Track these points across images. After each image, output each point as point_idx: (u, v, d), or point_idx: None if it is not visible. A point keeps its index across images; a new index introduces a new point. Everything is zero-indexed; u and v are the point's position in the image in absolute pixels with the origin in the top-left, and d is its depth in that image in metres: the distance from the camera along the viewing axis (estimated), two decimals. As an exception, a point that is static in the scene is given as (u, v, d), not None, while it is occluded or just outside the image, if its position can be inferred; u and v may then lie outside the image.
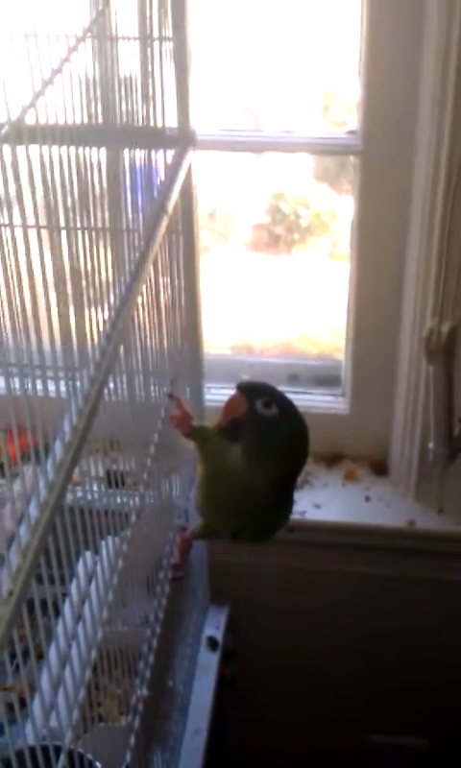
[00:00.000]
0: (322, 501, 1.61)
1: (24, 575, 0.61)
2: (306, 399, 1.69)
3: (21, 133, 0.57)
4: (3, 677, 0.88)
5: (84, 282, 0.78)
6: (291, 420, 0.97)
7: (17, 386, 0.63)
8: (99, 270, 0.82)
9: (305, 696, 1.77)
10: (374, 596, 1.66)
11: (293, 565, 1.63)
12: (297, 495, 1.61)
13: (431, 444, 1.53)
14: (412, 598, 1.65)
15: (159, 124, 1.04)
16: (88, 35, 0.71)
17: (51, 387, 0.70)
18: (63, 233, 0.73)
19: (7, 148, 0.56)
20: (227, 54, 1.56)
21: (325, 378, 1.73)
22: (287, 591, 1.67)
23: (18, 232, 0.62)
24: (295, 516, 1.57)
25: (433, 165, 1.36)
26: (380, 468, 1.67)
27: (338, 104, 1.66)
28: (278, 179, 1.78)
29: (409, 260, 1.48)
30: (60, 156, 0.70)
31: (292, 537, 1.59)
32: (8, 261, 0.60)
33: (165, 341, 1.12)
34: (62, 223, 0.72)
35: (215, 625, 1.53)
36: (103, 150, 0.84)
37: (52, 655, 0.80)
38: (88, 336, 0.78)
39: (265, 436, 0.95)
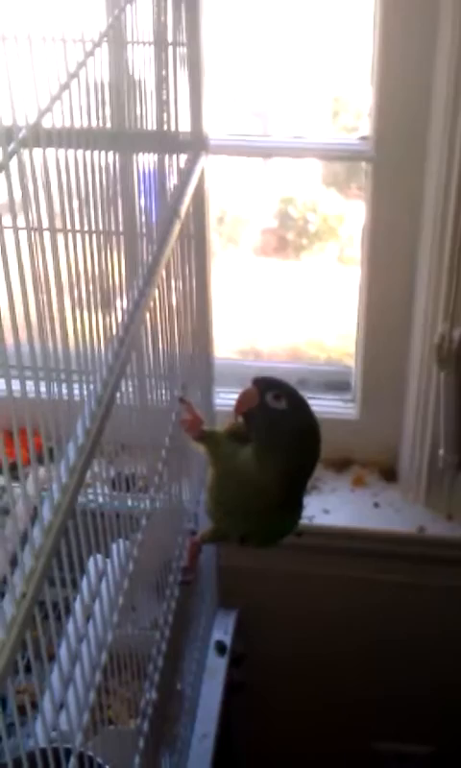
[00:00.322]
0: (330, 506, 1.61)
1: (37, 577, 0.62)
2: (316, 405, 1.66)
3: (38, 137, 0.57)
4: (15, 679, 0.88)
5: (97, 286, 0.78)
6: (300, 414, 0.98)
7: (31, 389, 0.63)
8: (113, 274, 0.82)
9: (312, 701, 1.76)
10: (382, 602, 1.66)
11: (301, 570, 1.63)
12: (305, 500, 1.61)
13: (441, 451, 1.52)
14: (421, 604, 1.64)
15: (173, 128, 1.04)
16: (105, 39, 0.72)
17: (61, 389, 0.70)
18: (78, 237, 0.73)
19: (24, 151, 0.56)
20: (237, 58, 1.57)
21: (334, 383, 1.73)
22: (295, 596, 1.66)
23: (33, 235, 0.62)
24: (303, 520, 1.57)
25: (445, 170, 1.36)
26: (389, 475, 1.67)
27: (348, 109, 1.66)
28: (286, 183, 1.78)
29: (420, 266, 1.48)
30: (75, 160, 0.70)
31: (300, 542, 1.59)
32: (22, 264, 0.60)
33: (177, 345, 1.12)
34: (77, 226, 0.72)
35: (223, 629, 1.53)
36: (117, 154, 0.84)
37: (62, 657, 0.80)
38: (102, 340, 0.78)
39: (273, 429, 0.96)
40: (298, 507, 1.07)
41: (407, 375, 1.57)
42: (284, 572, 1.64)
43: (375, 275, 1.54)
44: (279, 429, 0.97)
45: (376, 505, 1.62)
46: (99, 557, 0.90)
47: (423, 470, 1.58)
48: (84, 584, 0.88)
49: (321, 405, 1.68)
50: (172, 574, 1.16)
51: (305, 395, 1.66)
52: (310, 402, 1.65)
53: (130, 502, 1.01)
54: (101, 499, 0.91)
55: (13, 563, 0.63)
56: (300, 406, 0.98)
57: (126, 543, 0.97)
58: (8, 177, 0.53)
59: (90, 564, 0.89)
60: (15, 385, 0.61)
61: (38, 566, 0.62)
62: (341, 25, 1.50)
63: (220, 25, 1.43)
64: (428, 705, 1.74)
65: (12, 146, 0.53)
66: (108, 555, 0.93)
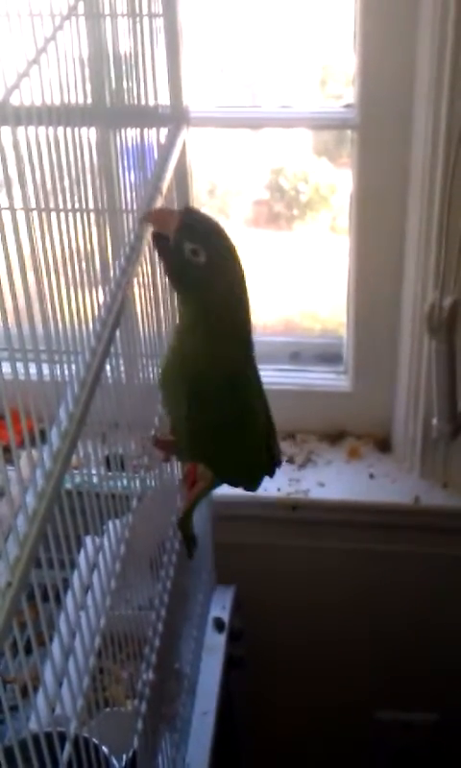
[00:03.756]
0: (326, 479, 1.61)
1: (22, 566, 0.61)
2: (309, 378, 1.68)
3: (6, 115, 0.56)
4: (5, 668, 0.87)
5: (78, 265, 0.77)
6: (217, 272, 0.89)
7: (9, 370, 0.62)
8: (94, 252, 0.81)
9: (313, 674, 1.77)
10: (380, 573, 1.66)
11: (298, 544, 1.63)
12: (300, 474, 1.61)
13: (435, 421, 1.52)
14: (419, 574, 1.64)
15: (151, 102, 1.02)
16: (74, 12, 0.70)
17: (43, 371, 0.69)
18: (55, 215, 0.71)
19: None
20: (222, 29, 1.54)
21: (327, 356, 1.71)
22: (293, 570, 1.66)
23: (9, 215, 0.60)
24: (299, 494, 1.58)
25: (432, 138, 1.34)
26: (384, 446, 1.66)
27: (336, 77, 1.64)
28: (276, 154, 1.76)
29: (409, 234, 1.46)
30: (51, 137, 0.69)
31: (296, 515, 1.59)
32: (4, 243, 0.59)
33: (163, 323, 1.11)
34: (55, 205, 0.70)
35: (221, 605, 1.53)
36: (94, 130, 0.82)
37: (55, 642, 0.79)
38: (84, 320, 0.77)
39: (191, 283, 0.90)
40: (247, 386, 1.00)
41: (399, 345, 1.56)
42: (281, 546, 1.63)
43: (363, 244, 1.53)
44: (196, 285, 0.90)
45: (372, 476, 1.61)
46: (93, 537, 0.90)
47: (417, 440, 1.57)
48: (81, 560, 0.87)
49: (314, 378, 1.68)
50: (166, 554, 1.15)
51: (299, 368, 1.68)
52: (303, 376, 1.66)
53: (120, 482, 1.00)
54: (94, 480, 0.90)
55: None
56: (217, 262, 0.88)
57: (118, 523, 0.96)
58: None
59: (87, 543, 0.88)
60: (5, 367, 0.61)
61: (24, 555, 0.61)
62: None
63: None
64: (430, 673, 1.75)
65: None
66: (100, 535, 0.92)
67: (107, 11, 0.83)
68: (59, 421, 0.70)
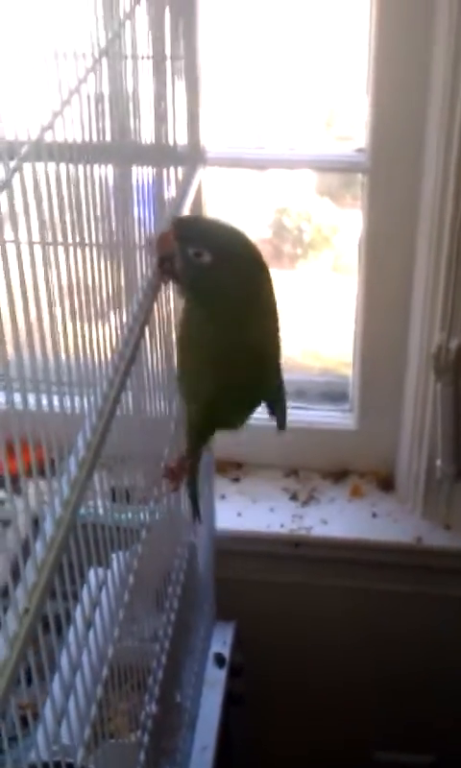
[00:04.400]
0: (328, 517, 1.61)
1: (40, 592, 0.62)
2: (313, 415, 1.69)
3: (41, 152, 0.58)
4: (18, 693, 0.87)
5: (96, 299, 0.78)
6: (227, 266, 0.87)
7: (31, 401, 0.63)
8: (112, 286, 0.83)
9: (312, 712, 1.76)
10: (380, 612, 1.66)
11: (299, 581, 1.63)
12: (303, 511, 1.62)
13: (439, 461, 1.53)
14: (419, 614, 1.64)
15: (170, 141, 1.04)
16: (105, 55, 0.72)
17: (62, 402, 0.70)
18: (78, 249, 0.73)
19: (27, 166, 0.56)
20: (231, 69, 1.57)
21: (331, 394, 1.73)
22: (294, 607, 1.66)
23: (34, 248, 0.62)
24: (301, 531, 1.58)
25: (441, 181, 1.37)
26: (387, 485, 1.67)
27: (342, 118, 1.67)
28: (280, 193, 1.78)
29: (417, 276, 1.48)
30: (74, 174, 0.70)
31: (299, 552, 1.59)
32: (23, 276, 0.60)
33: (175, 356, 1.12)
34: (78, 239, 0.72)
35: (222, 641, 1.53)
36: (115, 167, 0.84)
37: (64, 670, 0.80)
38: (102, 352, 0.79)
39: (202, 284, 0.88)
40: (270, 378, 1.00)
41: (404, 385, 1.57)
42: (283, 583, 1.64)
43: (371, 285, 1.55)
44: (207, 285, 0.87)
45: (374, 515, 1.62)
46: (99, 569, 0.90)
47: (420, 480, 1.58)
48: (84, 595, 0.88)
49: (319, 416, 1.69)
50: (171, 585, 1.15)
51: (304, 405, 1.69)
52: (308, 413, 1.68)
53: (128, 514, 1.01)
54: (101, 511, 0.91)
55: (15, 575, 0.63)
56: (224, 257, 0.87)
57: (125, 555, 0.97)
58: (10, 194, 0.53)
59: (90, 576, 0.89)
60: (16, 397, 0.62)
61: (41, 581, 0.62)
62: (335, 35, 1.51)
63: (213, 36, 1.44)
64: (428, 714, 1.74)
65: (14, 162, 0.53)
66: (107, 567, 0.92)
67: (133, 52, 0.85)
68: (76, 450, 0.72)
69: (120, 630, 0.90)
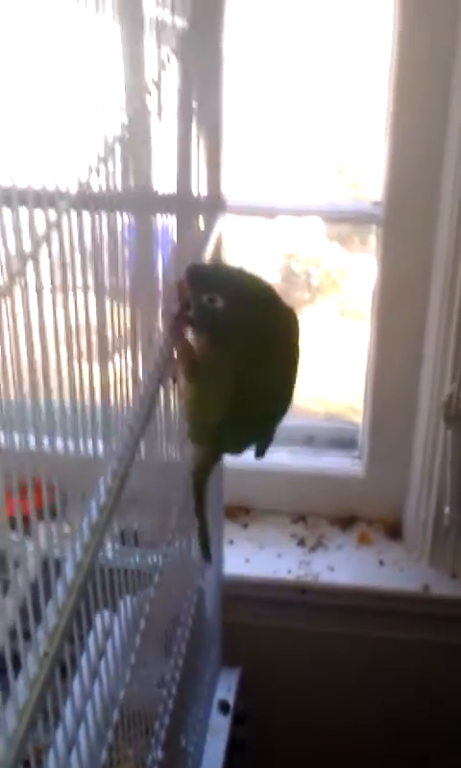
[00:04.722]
0: (335, 563, 1.61)
1: (59, 636, 0.62)
2: (322, 462, 1.70)
3: (85, 201, 0.60)
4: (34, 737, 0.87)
5: (116, 343, 0.79)
6: (239, 310, 0.89)
7: (58, 445, 0.64)
8: (132, 332, 0.84)
9: (315, 759, 1.75)
10: (386, 660, 1.65)
11: (305, 628, 1.63)
12: (310, 557, 1.62)
13: (447, 509, 1.53)
14: (425, 662, 1.64)
15: (193, 190, 1.06)
16: (142, 113, 0.74)
17: (86, 446, 0.71)
18: (100, 295, 0.74)
19: (64, 217, 0.58)
20: (243, 119, 1.60)
21: (341, 441, 1.74)
22: (299, 653, 1.66)
23: (62, 294, 0.63)
24: (308, 577, 1.58)
25: (456, 233, 1.39)
26: (395, 532, 1.67)
27: (353, 166, 1.70)
28: (289, 238, 1.81)
29: (429, 326, 1.50)
30: (102, 222, 0.72)
31: (305, 598, 1.59)
32: (52, 321, 0.62)
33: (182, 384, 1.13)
34: (107, 286, 0.73)
35: (227, 687, 1.53)
36: (139, 216, 0.86)
37: (68, 715, 0.80)
38: (124, 398, 0.80)
39: (217, 328, 0.90)
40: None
41: (414, 433, 1.58)
42: (288, 629, 1.63)
43: (384, 333, 1.56)
44: (222, 328, 0.90)
45: (381, 563, 1.62)
46: (106, 613, 0.91)
47: (428, 528, 1.59)
48: (91, 641, 0.88)
49: (327, 462, 1.70)
50: (180, 628, 1.16)
51: (312, 451, 1.70)
52: (317, 460, 1.69)
53: (138, 557, 1.02)
54: (110, 555, 0.91)
55: (22, 614, 0.64)
56: (240, 301, 0.89)
57: (134, 599, 0.98)
58: (48, 243, 0.55)
59: (97, 621, 0.89)
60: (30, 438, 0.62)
61: (61, 625, 0.63)
62: (350, 88, 1.54)
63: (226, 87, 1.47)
64: (434, 762, 1.73)
65: (54, 214, 0.55)
66: (115, 611, 0.93)
67: (162, 108, 0.87)
68: (98, 495, 0.72)
69: (131, 674, 0.90)
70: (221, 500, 1.46)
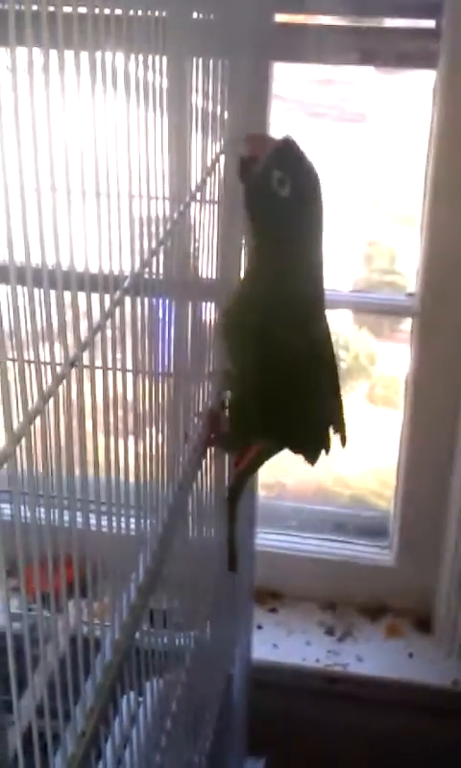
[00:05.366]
0: (364, 654, 1.60)
1: (96, 716, 0.63)
2: (352, 549, 1.69)
3: (137, 288, 0.62)
4: None
5: (157, 423, 0.81)
6: (298, 208, 0.85)
7: (101, 522, 0.65)
8: (176, 415, 0.86)
9: None
10: (414, 754, 1.62)
11: (332, 719, 1.60)
12: (339, 647, 1.60)
13: (478, 603, 1.52)
14: (453, 758, 1.60)
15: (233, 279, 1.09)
16: (194, 199, 0.77)
17: (128, 524, 0.72)
18: (146, 377, 0.76)
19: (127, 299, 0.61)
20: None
21: (369, 528, 1.73)
22: (326, 745, 1.63)
23: (109, 374, 0.65)
24: (337, 667, 1.56)
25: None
26: (424, 624, 1.66)
27: (382, 253, 1.73)
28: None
29: (462, 417, 1.51)
30: (151, 306, 0.74)
31: (332, 689, 1.57)
32: (96, 403, 0.63)
33: (224, 485, 1.14)
34: (159, 368, 0.75)
35: (251, 778, 1.50)
36: (184, 301, 0.89)
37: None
38: (164, 479, 0.81)
39: (271, 216, 0.86)
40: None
41: (446, 524, 1.58)
42: (314, 720, 1.61)
43: (417, 423, 1.57)
44: (272, 218, 0.86)
45: (411, 655, 1.60)
46: (129, 694, 0.90)
47: (458, 622, 1.57)
48: (116, 724, 0.87)
49: (357, 550, 1.69)
50: (208, 711, 1.14)
51: (342, 539, 1.69)
52: (346, 548, 1.68)
53: (166, 639, 1.01)
54: (137, 635, 0.91)
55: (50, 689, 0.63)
56: (302, 198, 0.85)
57: (161, 682, 0.97)
58: (112, 324, 0.57)
59: (123, 704, 0.88)
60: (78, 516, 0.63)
61: (98, 706, 0.63)
62: (387, 183, 1.58)
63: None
64: None
65: (117, 294, 0.57)
66: (141, 693, 0.92)
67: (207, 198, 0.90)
68: (137, 576, 0.73)
69: (160, 756, 0.90)
70: (252, 584, 1.45)
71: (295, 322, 0.90)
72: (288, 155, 0.84)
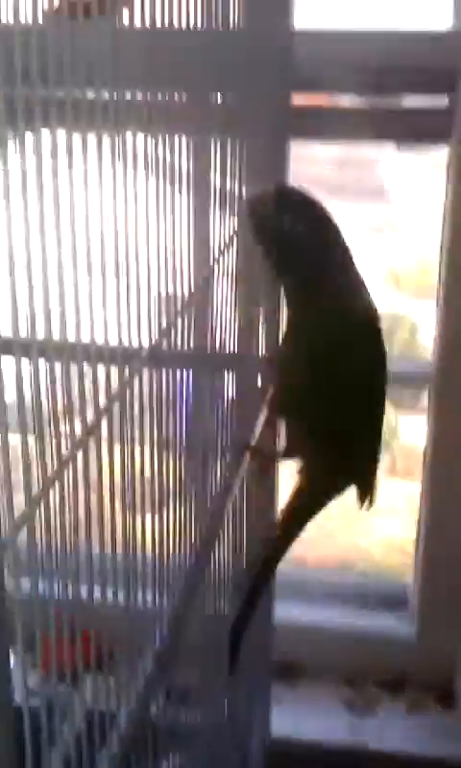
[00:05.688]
0: (386, 730, 1.57)
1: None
2: (372, 621, 1.67)
3: (155, 360, 0.63)
4: None
5: (175, 496, 0.81)
6: (317, 237, 0.93)
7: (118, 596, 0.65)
8: (191, 485, 0.86)
9: None
10: None
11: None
12: (360, 723, 1.57)
13: (501, 678, 1.49)
14: None
15: (253, 349, 1.10)
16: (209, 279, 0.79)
17: (144, 598, 0.72)
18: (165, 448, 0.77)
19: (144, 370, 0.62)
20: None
21: (388, 599, 1.72)
22: None
23: (127, 447, 0.66)
24: (358, 745, 1.53)
25: None
26: (446, 699, 1.63)
27: (403, 325, 1.74)
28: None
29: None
30: (169, 378, 0.75)
31: (354, 765, 1.54)
32: (109, 472, 0.63)
33: (243, 555, 1.14)
34: (165, 441, 0.76)
35: None
36: (202, 373, 0.90)
37: None
38: (181, 553, 0.81)
39: (295, 254, 0.92)
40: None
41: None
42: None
43: (435, 493, 1.57)
44: (297, 256, 0.92)
45: (433, 732, 1.57)
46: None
47: (481, 697, 1.54)
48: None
49: (377, 623, 1.67)
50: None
51: (362, 611, 1.67)
52: (367, 620, 1.66)
53: (184, 715, 1.00)
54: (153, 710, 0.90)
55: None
56: (319, 231, 0.92)
57: (175, 758, 0.95)
58: (131, 390, 0.58)
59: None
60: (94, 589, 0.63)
61: (114, 779, 0.62)
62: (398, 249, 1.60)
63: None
64: None
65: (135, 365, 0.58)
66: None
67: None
68: (153, 649, 0.73)
69: None
70: (271, 658, 1.44)
71: (359, 339, 0.99)
72: (289, 199, 0.92)
